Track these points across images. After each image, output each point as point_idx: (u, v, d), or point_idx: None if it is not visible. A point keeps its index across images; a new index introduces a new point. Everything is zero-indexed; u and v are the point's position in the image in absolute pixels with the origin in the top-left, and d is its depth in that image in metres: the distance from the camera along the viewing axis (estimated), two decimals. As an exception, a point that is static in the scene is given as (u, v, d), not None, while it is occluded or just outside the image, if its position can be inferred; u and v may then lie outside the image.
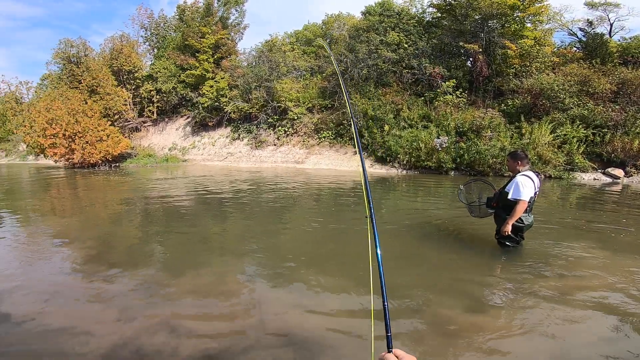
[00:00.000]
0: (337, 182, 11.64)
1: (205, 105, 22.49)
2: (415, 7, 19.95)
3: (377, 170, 15.11)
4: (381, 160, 15.42)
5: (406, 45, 17.44)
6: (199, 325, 2.87)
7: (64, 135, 19.10)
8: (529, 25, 16.59)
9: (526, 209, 3.95)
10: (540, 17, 16.40)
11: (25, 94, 35.96)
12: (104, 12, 71.82)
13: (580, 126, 12.50)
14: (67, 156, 19.47)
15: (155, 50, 28.52)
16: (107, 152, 19.80)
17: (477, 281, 3.62)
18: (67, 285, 3.75)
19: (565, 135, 12.51)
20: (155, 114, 26.34)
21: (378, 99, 16.89)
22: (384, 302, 1.22)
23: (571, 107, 13.05)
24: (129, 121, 25.66)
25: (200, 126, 24.07)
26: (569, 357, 2.43)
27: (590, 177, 11.88)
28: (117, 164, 20.91)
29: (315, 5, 61.88)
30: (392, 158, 14.89)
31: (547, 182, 11.17)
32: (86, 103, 21.14)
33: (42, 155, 22.47)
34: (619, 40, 17.09)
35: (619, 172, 11.79)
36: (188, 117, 25.14)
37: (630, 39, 16.64)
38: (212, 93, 22.17)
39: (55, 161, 20.80)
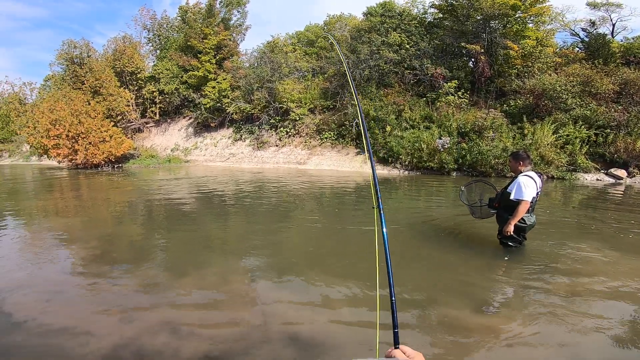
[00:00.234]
0: (339, 183, 11.66)
1: (208, 106, 22.56)
2: (417, 7, 19.97)
3: (379, 171, 15.12)
4: (383, 161, 15.43)
5: (408, 46, 17.45)
6: (201, 326, 2.86)
7: (67, 136, 19.21)
8: (530, 25, 16.57)
9: (528, 209, 3.96)
10: (543, 18, 16.38)
11: (29, 94, 36.19)
12: (106, 12, 72.22)
13: (583, 127, 12.47)
14: (70, 157, 19.58)
15: (158, 51, 28.65)
16: (110, 152, 19.89)
17: (482, 281, 3.63)
18: (69, 284, 3.75)
19: (567, 135, 12.48)
20: (157, 115, 26.44)
21: (380, 99, 16.91)
22: (391, 297, 1.19)
23: (574, 108, 13.02)
24: (132, 122, 25.77)
25: (203, 127, 24.14)
26: (582, 358, 2.42)
27: (593, 178, 11.84)
28: (120, 165, 21.00)
29: (318, 6, 61.98)
30: (394, 159, 14.90)
31: (550, 183, 11.15)
32: (89, 104, 21.24)
33: (45, 156, 22.59)
34: (622, 41, 17.05)
35: (621, 172, 11.76)
36: (190, 118, 25.22)
37: (633, 39, 16.60)
38: (214, 94, 22.24)
39: (59, 162, 20.92)
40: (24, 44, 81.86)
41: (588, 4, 17.43)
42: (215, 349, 2.54)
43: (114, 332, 2.77)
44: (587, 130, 12.43)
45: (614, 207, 7.68)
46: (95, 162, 19.58)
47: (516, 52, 15.53)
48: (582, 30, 17.99)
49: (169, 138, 25.65)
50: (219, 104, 22.30)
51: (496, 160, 12.54)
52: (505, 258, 4.18)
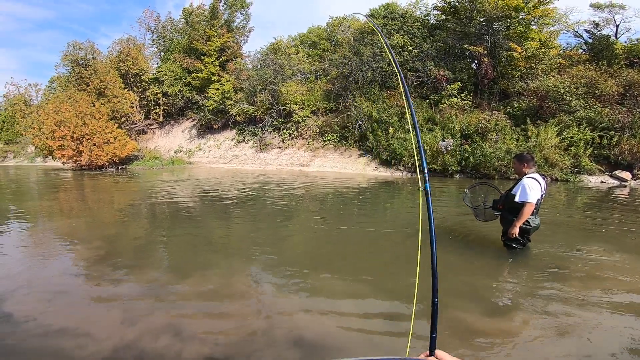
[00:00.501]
0: (342, 185, 11.67)
1: (211, 108, 22.68)
2: (420, 9, 20.02)
3: (382, 173, 15.12)
4: (386, 163, 15.43)
5: (410, 48, 17.47)
6: (204, 329, 2.82)
7: (72, 137, 19.36)
8: (534, 27, 16.55)
9: (533, 211, 3.95)
10: (547, 20, 16.35)
11: (34, 96, 36.48)
12: (111, 14, 72.79)
13: (587, 128, 12.42)
14: (74, 158, 19.72)
15: (162, 53, 28.84)
16: (114, 154, 20.03)
17: (487, 283, 3.61)
18: (71, 285, 3.72)
19: (571, 137, 12.44)
20: (161, 117, 26.61)
21: (383, 101, 16.93)
22: (433, 299, 1.07)
23: (578, 110, 12.98)
24: (136, 124, 25.94)
25: (206, 129, 24.26)
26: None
27: (597, 180, 11.79)
28: (124, 166, 21.13)
29: (321, 8, 62.14)
30: (397, 161, 14.90)
31: (554, 185, 11.11)
32: (94, 105, 21.43)
33: (50, 157, 22.79)
34: (625, 42, 17.00)
35: (626, 174, 11.70)
36: (194, 120, 25.35)
37: (637, 40, 16.53)
38: (218, 96, 22.36)
39: (63, 163, 21.09)
40: (30, 45, 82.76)
41: (591, 6, 17.41)
42: (218, 352, 2.50)
43: (115, 334, 2.73)
44: (591, 132, 12.38)
45: (619, 209, 7.64)
46: (99, 164, 19.72)
47: (519, 53, 15.51)
48: (586, 31, 17.97)
49: (173, 140, 25.78)
50: (222, 106, 22.41)
51: (499, 162, 12.51)
52: (510, 260, 4.18)
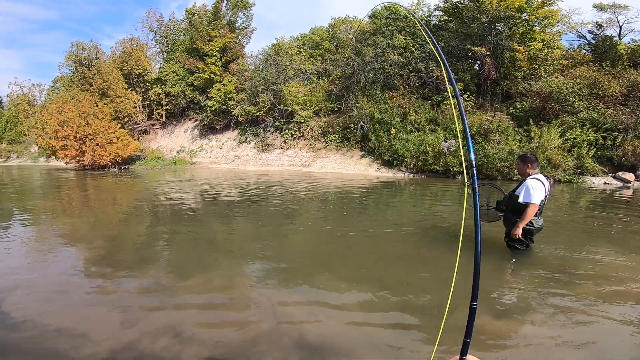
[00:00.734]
0: (345, 186, 11.67)
1: (213, 108, 22.73)
2: (422, 10, 20.00)
3: (384, 173, 15.11)
4: (388, 164, 15.41)
5: (413, 49, 17.46)
6: (205, 330, 2.78)
7: (75, 137, 19.44)
8: (537, 28, 16.52)
9: (536, 213, 3.94)
10: (550, 21, 16.30)
11: (38, 96, 36.64)
12: (115, 14, 73.03)
13: (590, 129, 12.38)
14: (77, 158, 19.80)
15: (165, 53, 28.95)
16: (117, 154, 20.09)
17: (491, 284, 3.59)
18: (71, 285, 3.68)
19: (575, 138, 12.40)
20: (164, 117, 26.69)
21: (385, 102, 16.92)
22: (472, 302, 1.00)
23: (581, 110, 12.94)
24: (139, 124, 26.04)
25: (208, 129, 24.32)
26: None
27: (601, 181, 11.74)
28: (127, 166, 21.20)
29: (323, 9, 62.24)
30: (399, 162, 14.88)
31: (557, 186, 11.07)
32: (97, 105, 21.51)
33: (53, 157, 22.88)
34: (629, 43, 16.93)
35: (629, 176, 11.64)
36: (196, 120, 25.41)
37: (641, 41, 16.47)
38: (220, 96, 22.41)
39: (66, 163, 21.17)
40: (34, 45, 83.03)
41: (595, 6, 17.35)
42: (218, 354, 2.46)
43: (114, 335, 2.69)
44: (594, 133, 12.33)
45: (623, 210, 7.59)
46: (102, 164, 19.79)
47: (522, 54, 15.47)
48: (589, 32, 17.90)
49: (175, 140, 25.86)
50: (224, 106, 22.45)
51: (502, 163, 12.47)
52: (513, 260, 4.16)
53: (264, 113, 20.78)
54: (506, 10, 14.75)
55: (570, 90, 13.22)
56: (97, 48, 26.92)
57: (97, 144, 19.62)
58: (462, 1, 16.59)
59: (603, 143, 12.29)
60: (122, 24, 75.58)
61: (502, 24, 15.61)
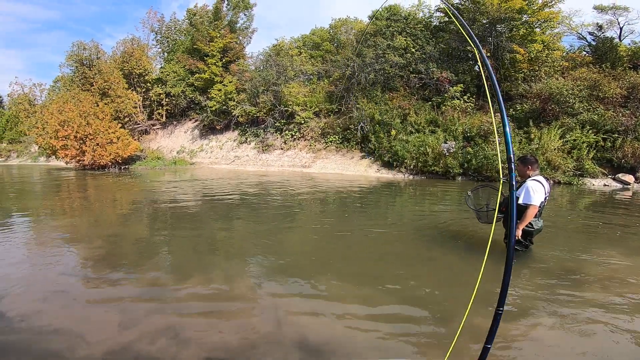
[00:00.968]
0: (345, 187, 11.67)
1: (213, 108, 22.75)
2: (422, 11, 20.03)
3: (384, 175, 15.11)
4: (388, 165, 15.42)
5: (413, 50, 17.48)
6: (204, 332, 2.74)
7: (75, 137, 19.45)
8: (537, 30, 16.54)
9: (536, 214, 3.95)
10: (551, 23, 16.32)
11: (39, 95, 36.63)
12: (116, 15, 73.16)
13: (590, 131, 12.38)
14: (77, 158, 19.81)
15: (165, 53, 28.98)
16: (117, 154, 20.10)
17: (493, 286, 3.57)
18: (69, 285, 3.66)
19: (574, 140, 12.40)
20: (164, 117, 26.71)
21: (385, 103, 16.93)
22: (498, 308, 0.92)
23: (581, 112, 12.94)
24: (139, 124, 26.05)
25: (208, 129, 24.33)
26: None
27: (600, 183, 11.74)
28: (127, 166, 21.20)
29: (325, 9, 62.29)
30: (399, 163, 14.88)
31: (557, 188, 11.07)
32: (97, 105, 21.52)
33: (53, 157, 22.88)
34: (629, 44, 16.95)
35: (629, 178, 11.65)
36: (196, 121, 25.43)
37: (641, 43, 16.49)
38: (220, 97, 22.43)
39: (66, 162, 21.18)
40: (36, 45, 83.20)
41: (595, 8, 17.39)
42: (216, 357, 2.43)
43: (110, 336, 2.65)
44: (594, 135, 12.33)
45: (622, 212, 7.59)
46: (102, 164, 19.79)
47: (522, 56, 15.49)
48: (590, 34, 17.93)
49: (175, 140, 25.87)
50: (224, 107, 22.47)
51: (502, 165, 12.47)
52: (514, 261, 4.16)
53: (264, 114, 20.80)
54: (507, 12, 14.77)
55: (570, 92, 13.22)
56: (98, 48, 26.93)
57: (98, 144, 19.63)
58: (463, 2, 16.61)
59: (603, 145, 12.29)
60: (123, 24, 75.75)
61: (503, 26, 15.63)
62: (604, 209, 8.01)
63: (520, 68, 15.89)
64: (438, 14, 18.94)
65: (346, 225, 6.28)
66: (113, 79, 23.79)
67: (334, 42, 23.54)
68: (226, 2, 25.57)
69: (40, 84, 37.02)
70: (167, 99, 25.91)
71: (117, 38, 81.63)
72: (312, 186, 11.71)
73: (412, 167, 14.46)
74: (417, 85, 17.38)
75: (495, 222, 4.60)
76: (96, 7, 77.39)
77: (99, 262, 4.32)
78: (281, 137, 20.25)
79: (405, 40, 17.55)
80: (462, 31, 1.55)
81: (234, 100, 21.97)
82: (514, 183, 1.06)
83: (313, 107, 19.57)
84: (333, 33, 24.35)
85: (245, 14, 26.32)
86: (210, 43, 23.56)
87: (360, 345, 2.58)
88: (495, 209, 4.43)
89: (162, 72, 26.22)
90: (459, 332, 1.16)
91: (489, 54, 15.67)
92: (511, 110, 15.03)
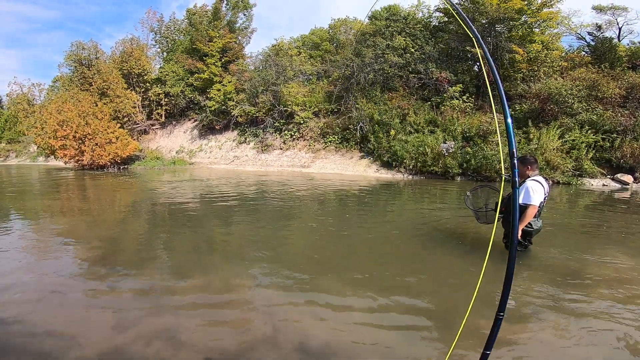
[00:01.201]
0: (344, 187, 11.67)
1: (213, 108, 22.73)
2: (422, 11, 20.04)
3: (383, 175, 15.11)
4: (387, 165, 15.42)
5: (412, 50, 17.49)
6: (202, 334, 2.70)
7: (74, 137, 19.41)
8: (536, 30, 16.56)
9: (535, 214, 3.95)
10: (550, 23, 16.34)
11: (37, 95, 36.56)
12: (116, 15, 72.94)
13: (589, 131, 12.40)
14: (76, 158, 19.76)
15: (165, 53, 28.95)
16: (116, 154, 20.07)
17: (493, 287, 3.57)
18: (65, 285, 3.62)
19: (573, 140, 12.41)
20: (163, 117, 26.67)
21: (384, 103, 16.93)
22: (498, 312, 0.90)
23: (580, 112, 12.96)
24: (138, 124, 26.00)
25: (208, 129, 24.31)
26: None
27: (599, 183, 11.76)
28: (126, 166, 21.17)
29: (324, 10, 62.29)
30: (398, 163, 14.88)
31: (556, 188, 11.08)
32: (96, 105, 21.49)
33: (52, 157, 22.84)
34: (628, 45, 16.99)
35: (628, 178, 11.67)
36: (195, 121, 25.40)
37: (639, 42, 16.52)
38: (220, 97, 22.41)
39: (65, 162, 21.14)
40: (36, 45, 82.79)
41: (594, 8, 17.41)
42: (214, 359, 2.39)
43: (104, 338, 2.60)
44: (593, 135, 12.35)
45: (621, 212, 7.60)
46: (101, 163, 19.76)
47: (522, 56, 15.50)
48: (588, 34, 17.97)
49: (174, 140, 25.84)
50: (224, 107, 22.46)
51: (504, 163, 12.46)
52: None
53: (263, 114, 20.79)
54: (506, 12, 14.78)
55: (569, 92, 13.24)
56: (97, 48, 26.90)
57: (97, 144, 19.59)
58: (462, 2, 16.62)
59: (602, 145, 12.31)
60: (122, 24, 75.57)
61: (502, 26, 15.64)
62: (602, 209, 8.01)
63: (520, 68, 15.91)
64: (437, 14, 18.96)
65: (346, 226, 6.28)
66: (112, 78, 23.75)
67: (334, 42, 23.54)
68: (225, 1, 25.54)
69: (39, 84, 36.99)
70: (166, 99, 25.87)
71: (117, 38, 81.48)
72: (312, 186, 11.71)
73: (411, 167, 14.46)
74: (416, 85, 17.39)
75: (492, 222, 4.63)
76: (96, 7, 77.22)
77: (96, 263, 4.29)
78: (280, 137, 20.24)
79: (404, 40, 17.56)
80: (462, 24, 1.52)
81: (233, 100, 21.95)
82: (516, 180, 1.02)
83: (312, 107, 19.56)
84: (332, 33, 24.34)
85: (244, 14, 26.32)
86: (210, 43, 23.53)
87: (360, 347, 2.56)
88: (493, 210, 4.44)
89: (161, 72, 26.19)
90: (457, 337, 1.13)
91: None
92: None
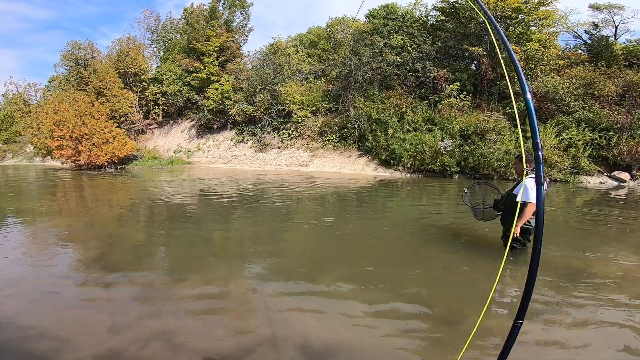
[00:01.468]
0: (343, 185, 11.68)
1: (210, 108, 22.66)
2: (419, 10, 20.04)
3: (381, 173, 15.12)
4: (385, 164, 15.43)
5: (410, 49, 17.48)
6: (199, 336, 2.64)
7: (70, 137, 19.32)
8: (533, 28, 16.59)
9: (534, 212, 3.95)
10: (548, 22, 16.37)
11: (33, 95, 36.34)
12: (112, 15, 72.45)
13: (586, 129, 12.45)
14: (73, 158, 19.67)
15: (161, 53, 28.83)
16: (113, 154, 19.98)
17: (492, 284, 3.58)
18: (61, 286, 3.57)
19: (570, 138, 12.46)
20: (160, 117, 26.57)
21: (382, 102, 16.93)
22: (517, 320, 0.84)
23: (577, 110, 13.01)
24: (135, 123, 25.89)
25: (205, 129, 24.24)
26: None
27: (596, 181, 11.81)
28: (123, 166, 21.08)
29: (322, 8, 62.19)
30: (396, 161, 14.90)
31: (553, 186, 11.12)
32: (93, 105, 21.38)
33: (48, 157, 22.72)
34: (624, 43, 17.03)
35: (625, 175, 11.73)
36: (193, 120, 25.32)
37: (636, 41, 16.56)
38: (217, 96, 22.35)
39: (62, 162, 21.03)
40: (32, 45, 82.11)
41: (591, 6, 17.45)
42: None
43: (99, 341, 2.54)
44: (590, 132, 12.41)
45: (619, 210, 7.64)
46: (98, 163, 19.67)
47: (519, 54, 15.51)
48: (585, 32, 18.01)
49: (172, 140, 25.75)
50: (221, 106, 22.40)
51: (498, 162, 12.52)
52: (510, 259, 4.18)
53: (261, 113, 20.75)
54: (503, 11, 14.80)
55: (566, 90, 13.29)
56: (93, 47, 26.80)
57: (93, 144, 19.49)
58: (459, 1, 16.63)
59: (599, 143, 12.37)
60: (119, 23, 75.10)
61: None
62: (600, 207, 8.05)
63: (517, 66, 15.91)
64: (435, 12, 18.95)
65: (345, 225, 6.28)
66: (108, 78, 23.64)
67: (331, 41, 23.50)
68: (222, 0, 25.46)
69: (34, 84, 36.75)
70: (163, 98, 25.77)
71: (113, 38, 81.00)
72: (310, 185, 11.70)
73: (409, 165, 14.48)
74: (414, 83, 17.40)
75: (489, 219, 4.64)
76: (93, 6, 76.69)
77: (93, 264, 4.26)
78: (278, 136, 20.21)
79: (402, 38, 17.56)
80: (471, 3, 1.45)
81: (230, 100, 21.89)
82: (541, 174, 1.01)
83: (310, 106, 19.54)
84: (330, 32, 24.30)
85: (241, 13, 26.25)
86: (207, 42, 23.44)
87: (360, 347, 2.53)
88: (491, 207, 4.45)
89: (158, 72, 26.08)
90: (468, 341, 1.05)
91: (484, 53, 15.71)
92: (507, 108, 15.07)
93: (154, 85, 25.57)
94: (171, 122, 26.78)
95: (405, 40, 17.57)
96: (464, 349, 1.13)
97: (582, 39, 18.25)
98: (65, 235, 5.73)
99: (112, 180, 14.66)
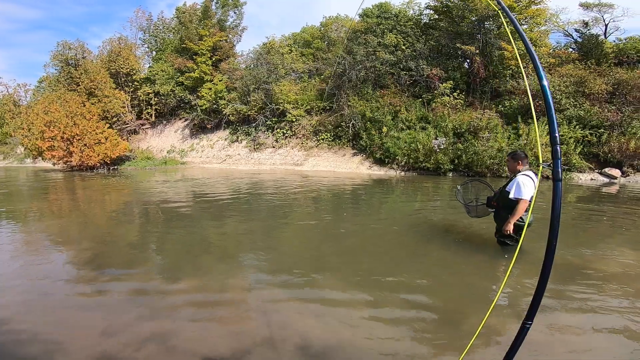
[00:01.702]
0: (337, 184, 11.69)
1: (204, 107, 22.53)
2: (413, 9, 20.12)
3: (375, 171, 15.17)
4: (379, 162, 15.48)
5: (404, 47, 17.55)
6: (196, 339, 2.61)
7: (62, 137, 19.07)
8: (524, 27, 16.73)
9: (527, 208, 3.99)
10: (539, 20, 16.54)
11: (23, 96, 35.82)
12: (103, 14, 71.52)
13: (577, 127, 12.61)
14: (65, 159, 19.43)
15: (154, 52, 28.57)
16: (106, 154, 19.77)
17: (489, 284, 3.59)
18: (53, 288, 3.52)
19: (562, 135, 12.61)
20: (153, 117, 26.34)
21: (376, 100, 16.98)
22: (528, 320, 0.84)
23: (567, 108, 13.17)
24: (127, 124, 25.64)
25: (199, 129, 24.09)
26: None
27: (587, 178, 11.97)
28: (116, 167, 20.88)
29: (316, 8, 62.10)
30: (391, 159, 14.96)
31: (544, 183, 11.23)
32: (84, 105, 21.13)
33: (40, 158, 22.41)
34: (614, 41, 17.28)
35: (615, 172, 11.90)
36: (186, 120, 25.15)
37: (625, 39, 16.82)
38: (211, 95, 22.22)
39: (54, 164, 20.76)
40: (21, 45, 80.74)
41: (581, 5, 17.67)
42: None
43: (92, 344, 2.48)
44: (581, 130, 12.57)
45: (609, 206, 7.75)
46: (90, 164, 19.45)
47: (511, 52, 15.67)
48: (575, 31, 18.24)
49: (165, 140, 25.55)
50: (215, 106, 22.28)
51: (491, 160, 12.63)
52: (505, 256, 4.22)
53: (255, 112, 20.68)
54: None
55: (557, 88, 13.45)
56: (84, 47, 26.47)
57: (85, 145, 19.27)
58: (452, 0, 16.72)
59: (589, 140, 12.54)
60: (109, 23, 74.01)
61: (491, 22, 15.78)
62: (592, 203, 8.16)
63: (509, 65, 16.09)
64: (428, 11, 19.04)
65: (341, 223, 6.28)
66: (100, 78, 23.37)
67: (325, 40, 23.49)
68: (215, 0, 25.30)
69: (24, 85, 36.22)
70: (156, 98, 25.54)
71: (104, 38, 79.98)
72: (305, 184, 11.70)
73: (403, 163, 14.55)
74: (407, 82, 17.47)
75: (482, 216, 4.68)
76: (82, 7, 75.62)
77: (86, 265, 4.20)
78: (273, 135, 20.16)
79: (395, 37, 17.61)
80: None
81: (224, 99, 21.78)
82: (559, 170, 0.93)
83: (304, 105, 19.53)
84: (324, 31, 24.28)
85: (235, 12, 26.10)
86: (200, 41, 23.30)
87: (360, 347, 2.51)
88: (484, 204, 4.48)
89: (150, 72, 25.84)
90: (472, 341, 1.04)
91: (477, 51, 15.82)
92: (500, 106, 15.22)
93: (146, 85, 25.33)
94: (164, 122, 26.57)
95: (399, 39, 17.63)
96: (465, 349, 1.13)
97: (573, 38, 18.49)
98: (57, 236, 5.66)
99: (105, 181, 14.51)
